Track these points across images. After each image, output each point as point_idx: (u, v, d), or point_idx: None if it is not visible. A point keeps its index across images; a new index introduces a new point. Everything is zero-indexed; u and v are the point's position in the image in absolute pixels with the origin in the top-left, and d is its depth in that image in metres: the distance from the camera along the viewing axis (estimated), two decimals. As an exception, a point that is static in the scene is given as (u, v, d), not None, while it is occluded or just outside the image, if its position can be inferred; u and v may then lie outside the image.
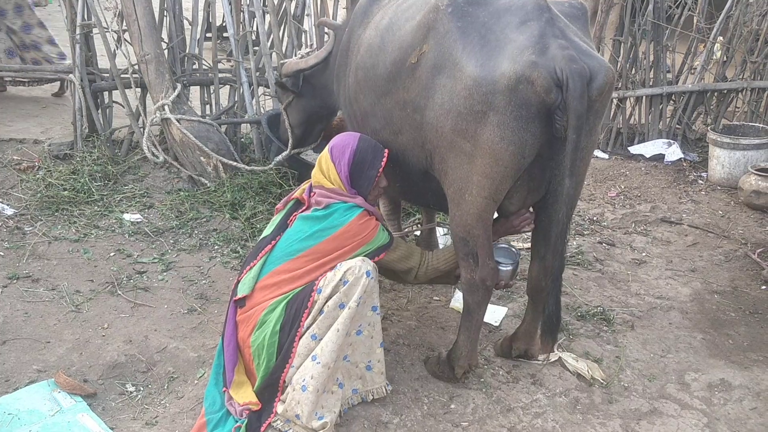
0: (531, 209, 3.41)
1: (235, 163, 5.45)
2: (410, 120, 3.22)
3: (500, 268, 3.37)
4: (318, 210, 3.29)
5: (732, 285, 4.68)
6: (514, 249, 3.61)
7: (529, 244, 4.35)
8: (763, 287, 4.64)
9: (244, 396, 3.18)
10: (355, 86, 3.61)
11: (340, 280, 3.09)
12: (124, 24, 5.68)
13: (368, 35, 3.52)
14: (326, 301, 3.10)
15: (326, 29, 5.03)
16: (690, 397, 3.55)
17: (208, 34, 6.46)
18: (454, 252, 3.42)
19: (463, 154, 3.03)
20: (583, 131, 2.89)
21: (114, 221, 5.03)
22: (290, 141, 4.77)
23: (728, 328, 4.19)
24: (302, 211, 3.36)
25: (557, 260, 3.25)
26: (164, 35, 6.07)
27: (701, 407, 3.47)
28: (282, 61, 5.27)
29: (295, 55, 4.85)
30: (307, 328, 3.11)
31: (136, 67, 5.79)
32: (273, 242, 3.32)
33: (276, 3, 6.13)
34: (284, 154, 4.89)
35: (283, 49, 6.20)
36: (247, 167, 5.45)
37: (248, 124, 6.22)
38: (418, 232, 4.87)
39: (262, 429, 3.09)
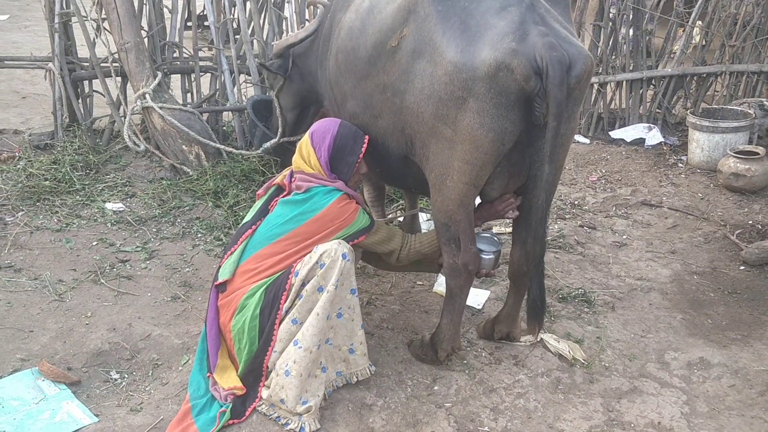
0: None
1: (227, 148, 5.44)
2: (390, 104, 3.22)
3: (482, 256, 3.39)
4: (298, 194, 3.30)
5: (711, 266, 4.74)
6: (495, 237, 3.63)
7: (510, 229, 4.38)
8: (742, 267, 4.70)
9: (229, 381, 3.20)
10: (336, 69, 3.62)
11: (317, 263, 3.10)
12: (103, 12, 5.64)
13: (349, 18, 3.52)
14: (303, 284, 3.11)
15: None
16: (669, 375, 3.60)
17: (189, 23, 6.41)
18: (436, 235, 3.44)
19: (444, 139, 3.04)
20: (563, 118, 2.90)
21: (96, 211, 5.01)
22: (280, 127, 4.75)
23: (707, 308, 4.25)
24: (283, 197, 3.36)
25: (538, 245, 3.26)
26: (144, 23, 6.03)
27: (680, 385, 3.53)
28: (273, 43, 5.24)
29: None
30: (287, 312, 3.13)
31: (116, 55, 5.75)
32: (253, 227, 3.34)
33: (256, -10, 6.10)
34: (273, 141, 4.87)
35: (264, 36, 6.18)
36: (236, 150, 5.43)
37: (230, 112, 6.20)
38: (401, 218, 4.88)
39: (247, 413, 3.12)
